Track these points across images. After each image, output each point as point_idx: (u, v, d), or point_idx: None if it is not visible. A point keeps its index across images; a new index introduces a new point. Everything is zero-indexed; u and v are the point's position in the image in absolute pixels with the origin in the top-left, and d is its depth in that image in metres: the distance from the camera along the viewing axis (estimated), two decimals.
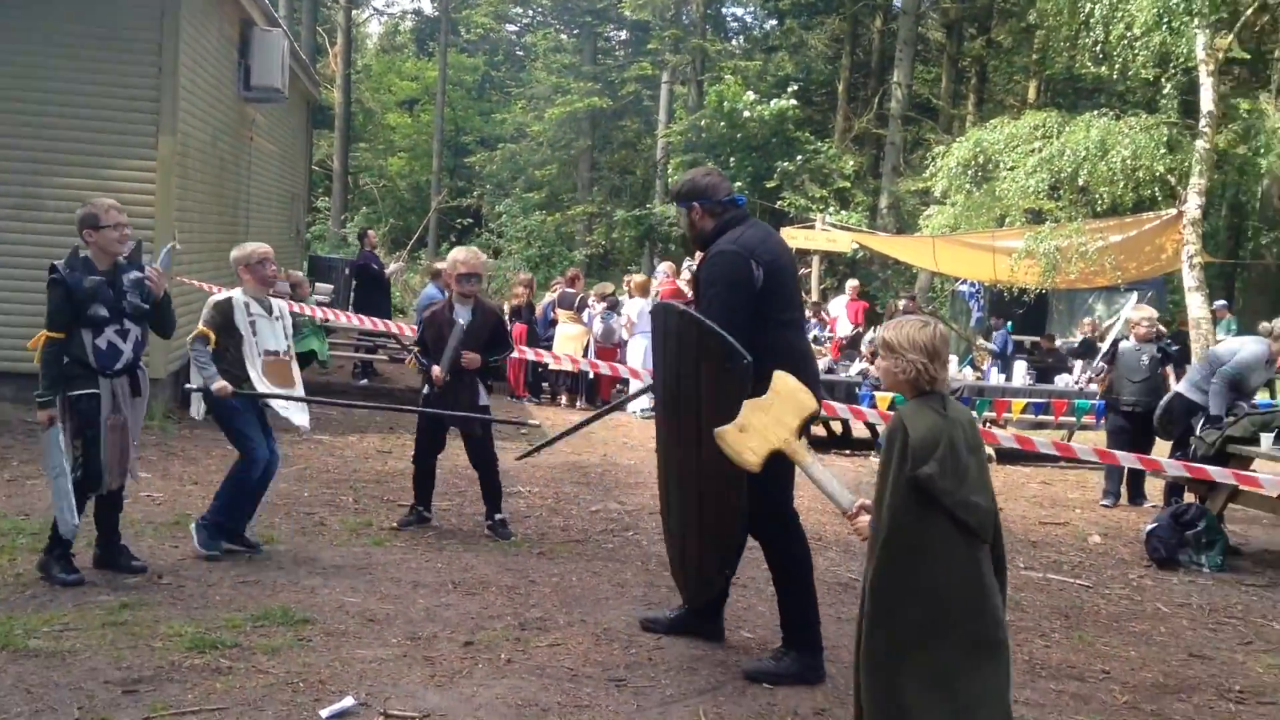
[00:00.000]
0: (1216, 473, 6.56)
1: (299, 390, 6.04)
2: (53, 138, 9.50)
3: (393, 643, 4.60)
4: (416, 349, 6.61)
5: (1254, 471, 7.09)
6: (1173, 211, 14.67)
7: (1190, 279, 14.10)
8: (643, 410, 12.91)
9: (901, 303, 17.10)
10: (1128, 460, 7.29)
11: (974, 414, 3.34)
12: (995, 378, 13.63)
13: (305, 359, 12.06)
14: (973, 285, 20.48)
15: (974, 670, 3.13)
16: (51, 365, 4.99)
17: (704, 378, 4.30)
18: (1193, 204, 14.10)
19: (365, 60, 41.31)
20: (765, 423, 3.79)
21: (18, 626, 4.44)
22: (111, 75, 9.55)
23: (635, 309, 13.20)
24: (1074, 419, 10.97)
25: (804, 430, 3.99)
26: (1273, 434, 6.81)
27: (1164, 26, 13.43)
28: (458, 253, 6.51)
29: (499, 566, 5.88)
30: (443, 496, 7.57)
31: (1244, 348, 7.69)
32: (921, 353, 3.19)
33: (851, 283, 17.05)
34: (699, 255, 4.83)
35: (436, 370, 6.35)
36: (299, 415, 6.05)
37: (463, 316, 6.38)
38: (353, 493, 7.59)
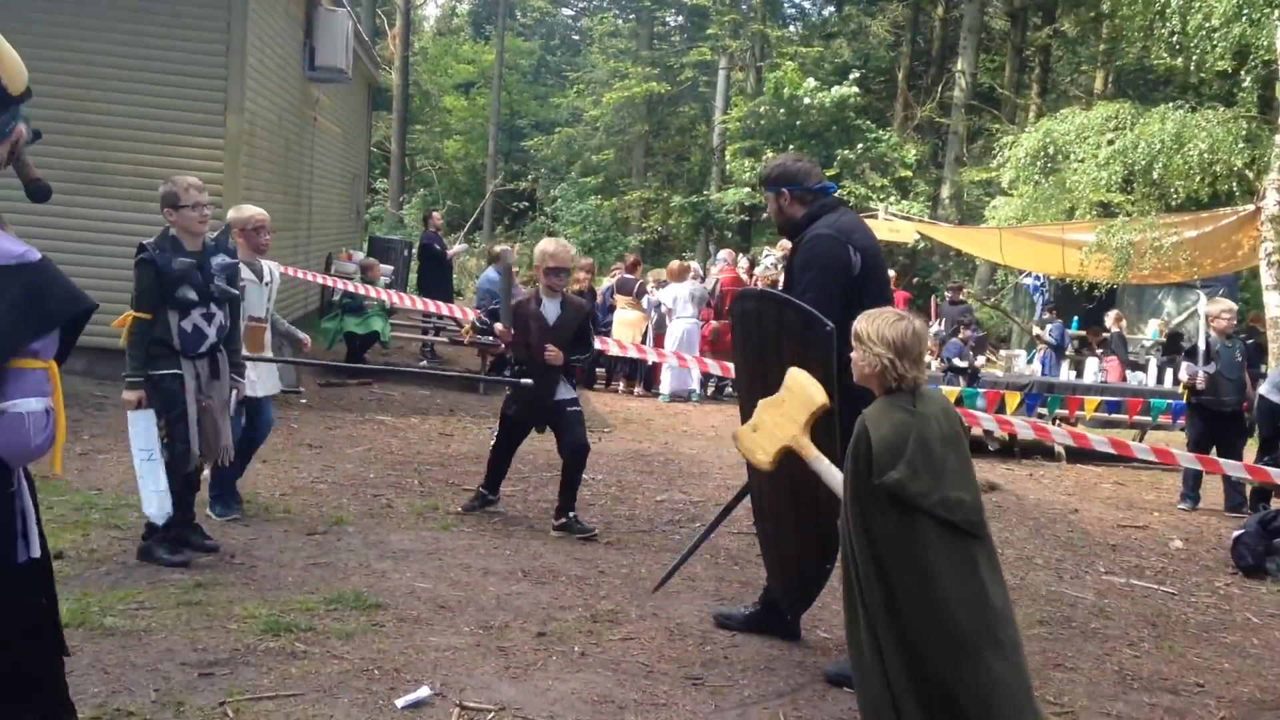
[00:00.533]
0: (1277, 474, 6.35)
1: (268, 354, 6.04)
2: (124, 114, 9.55)
3: (465, 631, 4.52)
4: (476, 328, 6.49)
5: None
6: (1250, 207, 14.26)
7: (1269, 277, 13.69)
8: (671, 394, 12.90)
9: (948, 294, 16.85)
10: (1186, 460, 7.11)
11: (949, 402, 3.20)
12: (1060, 371, 13.40)
13: (369, 340, 12.10)
14: (1037, 279, 20.11)
15: (989, 671, 3.02)
16: (139, 346, 4.94)
17: (786, 355, 4.16)
18: (1271, 200, 13.68)
19: (422, 43, 41.39)
20: (776, 420, 3.67)
21: (94, 604, 4.41)
22: (180, 54, 9.58)
23: (670, 295, 13.05)
24: (1149, 418, 10.68)
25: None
26: None
27: (1244, 18, 13.03)
28: (546, 244, 6.37)
29: (567, 556, 5.79)
30: (507, 481, 7.52)
31: None
32: (888, 348, 3.11)
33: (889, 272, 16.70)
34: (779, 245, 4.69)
35: (499, 326, 6.29)
36: (265, 385, 5.97)
37: (550, 310, 6.24)
38: (418, 475, 7.54)
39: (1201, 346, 8.19)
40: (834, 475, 3.49)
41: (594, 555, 5.86)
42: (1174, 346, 17.05)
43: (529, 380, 6.08)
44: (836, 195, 4.52)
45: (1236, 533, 6.96)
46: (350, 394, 10.85)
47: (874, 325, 3.15)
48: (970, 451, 3.29)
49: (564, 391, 6.28)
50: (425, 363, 13.59)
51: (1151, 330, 19.52)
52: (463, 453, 8.48)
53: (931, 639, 3.03)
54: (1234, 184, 13.98)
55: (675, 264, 13.64)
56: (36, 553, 2.21)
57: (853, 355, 3.26)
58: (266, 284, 5.92)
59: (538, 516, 6.60)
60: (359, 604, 4.70)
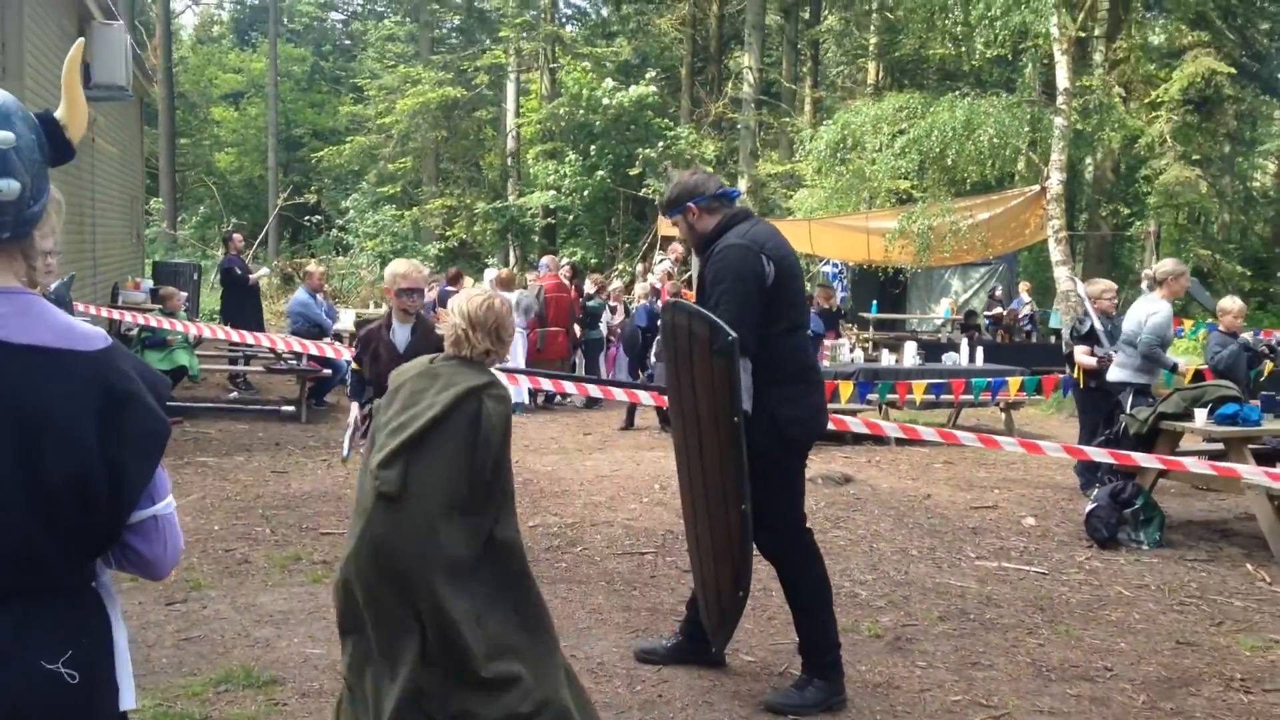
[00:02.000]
0: (1141, 458, 6.64)
1: None
2: None
3: None
4: (356, 367, 5.98)
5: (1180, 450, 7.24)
6: (1036, 187, 15.10)
7: (1057, 253, 14.53)
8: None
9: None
10: (1007, 446, 7.27)
11: (504, 390, 3.30)
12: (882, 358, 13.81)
13: (176, 375, 11.25)
14: (835, 265, 20.76)
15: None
16: None
17: (698, 365, 4.01)
18: (1055, 179, 14.53)
19: (181, 53, 39.29)
20: None
21: None
22: None
23: None
24: (972, 396, 11.11)
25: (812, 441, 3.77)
26: (1206, 409, 6.92)
27: (1024, 6, 13.76)
28: (398, 265, 5.94)
29: None
30: (345, 519, 7.09)
31: (1150, 313, 7.72)
32: (464, 319, 3.31)
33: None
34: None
35: (355, 410, 5.82)
36: None
37: (401, 337, 5.84)
38: (266, 522, 7.00)
39: (1099, 328, 8.30)
40: None
41: None
42: (970, 324, 17.94)
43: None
44: (739, 201, 4.37)
45: (1089, 506, 7.24)
46: None
47: (460, 300, 3.39)
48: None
49: None
50: (235, 395, 12.81)
51: (944, 309, 20.49)
52: (306, 491, 7.96)
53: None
54: (1022, 165, 14.75)
55: (504, 272, 13.32)
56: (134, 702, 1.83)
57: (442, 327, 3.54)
58: None
59: None
60: (251, 682, 4.26)
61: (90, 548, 1.70)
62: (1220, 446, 7.51)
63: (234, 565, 5.99)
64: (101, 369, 1.66)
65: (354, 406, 5.88)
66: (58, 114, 1.76)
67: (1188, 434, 7.32)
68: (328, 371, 11.82)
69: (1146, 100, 20.79)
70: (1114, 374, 7.80)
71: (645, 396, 8.47)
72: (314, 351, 10.34)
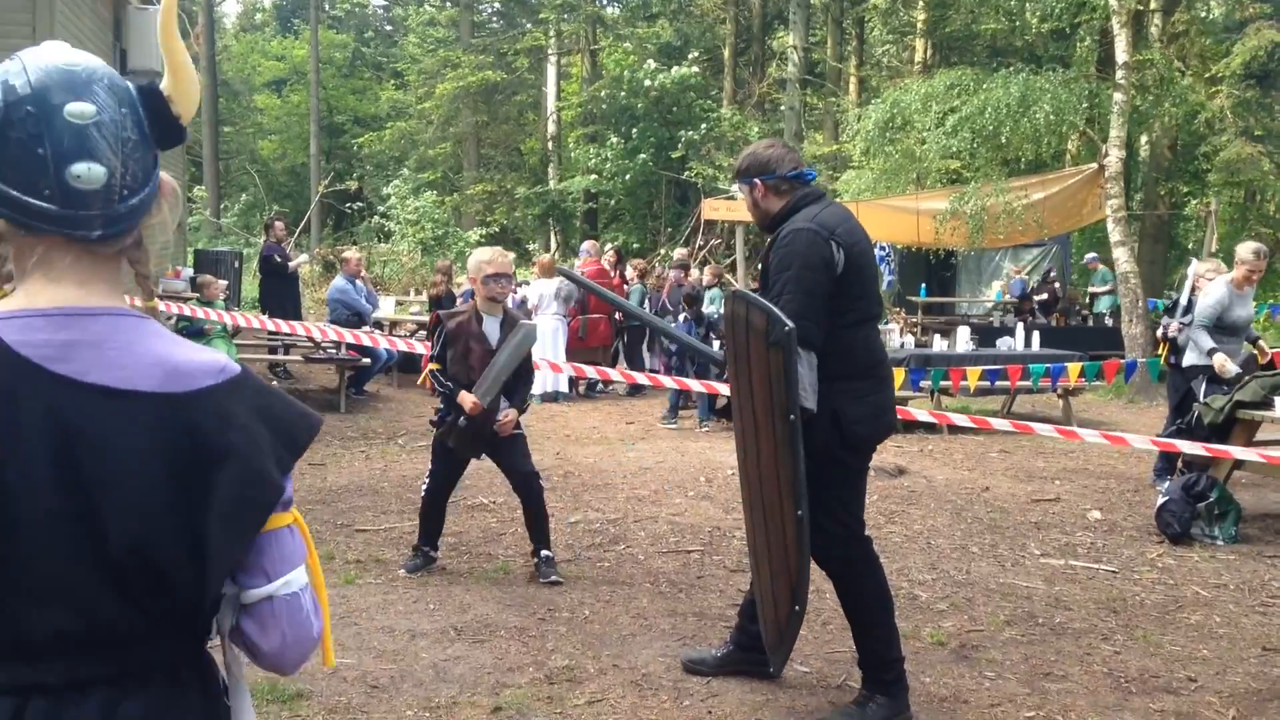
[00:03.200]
0: (1238, 451, 6.28)
1: None
2: None
3: (409, 715, 3.91)
4: (435, 366, 5.60)
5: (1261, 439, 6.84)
6: (1093, 166, 14.60)
7: (1116, 233, 14.04)
8: (540, 396, 12.44)
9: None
10: (1089, 438, 6.92)
11: None
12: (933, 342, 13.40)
13: None
14: (883, 248, 20.31)
15: None
16: None
17: (754, 357, 3.70)
18: (1114, 156, 14.03)
19: (225, 41, 39.42)
20: None
21: None
22: None
23: (536, 292, 12.49)
24: (1030, 383, 10.71)
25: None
26: None
27: None
28: (482, 252, 5.63)
29: (498, 602, 5.20)
30: (387, 513, 6.88)
31: (1207, 294, 7.40)
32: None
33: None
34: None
35: (469, 398, 5.29)
36: None
37: (491, 330, 5.46)
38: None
39: (1183, 302, 7.96)
40: None
41: (528, 598, 5.29)
42: (1023, 308, 17.45)
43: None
44: (815, 183, 4.03)
45: (1161, 499, 6.87)
46: None
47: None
48: None
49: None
50: (275, 384, 12.66)
51: (995, 292, 19.97)
52: (343, 485, 7.75)
53: None
54: (1072, 145, 14.26)
55: (545, 258, 13.08)
56: None
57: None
58: None
59: (445, 554, 5.98)
60: (276, 696, 4.02)
61: (178, 627, 1.37)
62: None
63: None
64: (195, 415, 1.31)
65: (464, 395, 5.31)
66: (162, 85, 1.43)
67: (1266, 423, 6.91)
68: (366, 360, 11.65)
69: (1207, 75, 20.11)
70: (1187, 358, 7.41)
71: (697, 384, 8.16)
72: (351, 340, 10.15)
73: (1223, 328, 7.26)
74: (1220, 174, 20.96)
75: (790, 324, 3.50)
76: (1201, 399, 7.10)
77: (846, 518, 3.89)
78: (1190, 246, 27.59)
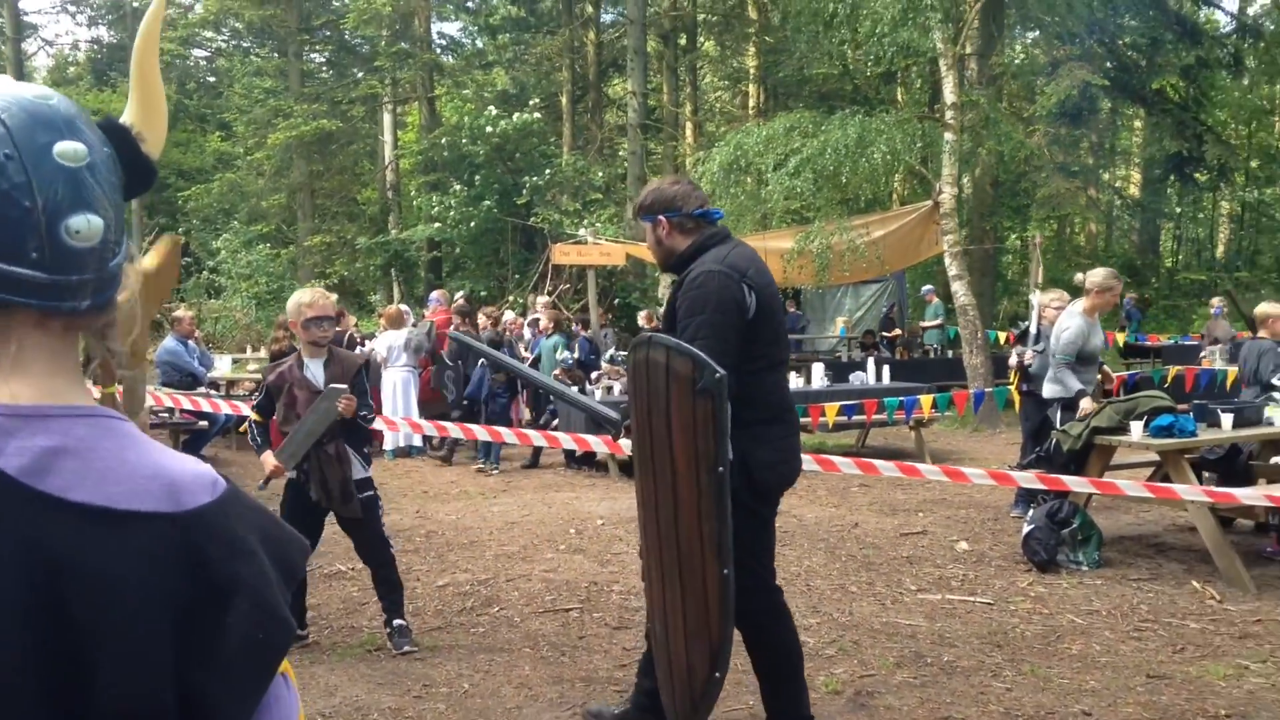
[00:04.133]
0: (1071, 481, 6.39)
1: None
2: None
3: None
4: (256, 418, 5.24)
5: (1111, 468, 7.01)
6: (929, 203, 15.05)
7: (954, 267, 14.47)
8: (394, 450, 12.11)
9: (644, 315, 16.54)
10: (929, 474, 6.97)
11: None
12: None
13: None
14: None
15: None
16: None
17: (674, 407, 3.51)
18: (948, 194, 14.49)
19: None
20: None
21: None
22: None
23: (384, 344, 12.08)
24: (885, 416, 10.86)
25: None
26: (1141, 421, 6.69)
27: (910, 21, 13.70)
28: (301, 295, 5.26)
29: (368, 681, 4.85)
30: None
31: (1063, 328, 7.50)
32: None
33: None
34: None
35: (270, 460, 5.02)
36: None
37: (316, 373, 5.15)
38: None
39: (1033, 330, 8.12)
40: None
41: (400, 673, 4.95)
42: (869, 343, 17.85)
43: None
44: (720, 223, 3.88)
45: (1026, 528, 6.97)
46: None
47: None
48: None
49: (357, 470, 5.23)
50: None
51: (839, 329, 20.40)
52: None
53: None
54: (914, 182, 14.69)
55: (392, 309, 12.66)
56: None
57: None
58: None
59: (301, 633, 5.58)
60: None
61: None
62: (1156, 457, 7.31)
63: None
64: (196, 539, 0.99)
65: (266, 456, 5.07)
66: (127, 118, 1.15)
67: (1122, 447, 7.09)
68: (204, 424, 11.03)
69: (1025, 115, 21.13)
70: (1048, 390, 7.56)
71: (598, 443, 7.89)
72: (188, 405, 9.57)
73: (1082, 358, 7.42)
74: (1043, 208, 22.02)
75: (721, 370, 3.32)
76: (1059, 426, 7.24)
77: (757, 567, 3.73)
78: (1009, 278, 28.90)
